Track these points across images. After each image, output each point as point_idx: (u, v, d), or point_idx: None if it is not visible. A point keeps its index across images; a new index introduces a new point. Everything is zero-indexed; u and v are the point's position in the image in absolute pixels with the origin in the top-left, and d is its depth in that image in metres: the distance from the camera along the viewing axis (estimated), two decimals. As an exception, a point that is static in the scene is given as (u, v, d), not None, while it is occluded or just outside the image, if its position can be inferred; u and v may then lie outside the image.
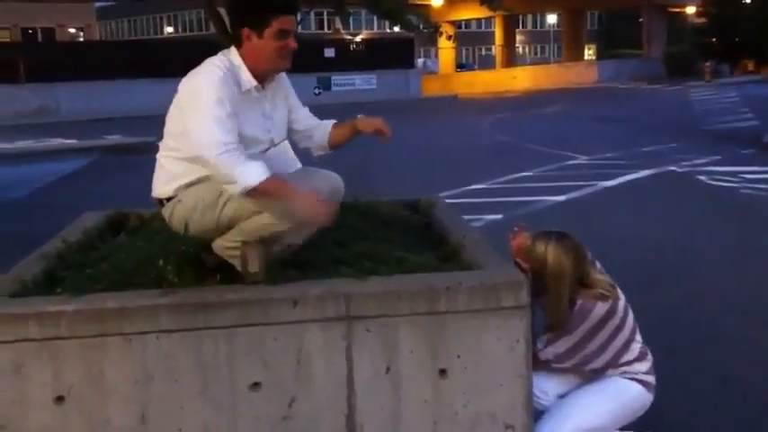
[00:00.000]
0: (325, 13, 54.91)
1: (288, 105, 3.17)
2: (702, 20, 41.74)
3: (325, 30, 57.08)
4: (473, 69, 57.10)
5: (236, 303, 2.72)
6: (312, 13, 47.07)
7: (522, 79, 43.96)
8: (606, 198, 9.86)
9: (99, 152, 16.44)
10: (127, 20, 71.21)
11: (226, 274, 2.90)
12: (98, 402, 2.68)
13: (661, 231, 7.86)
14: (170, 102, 2.92)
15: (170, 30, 67.32)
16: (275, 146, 3.02)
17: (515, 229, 3.22)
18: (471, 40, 68.80)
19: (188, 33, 61.42)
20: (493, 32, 59.12)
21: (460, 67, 58.46)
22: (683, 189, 10.38)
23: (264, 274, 2.81)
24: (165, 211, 2.99)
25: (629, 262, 6.12)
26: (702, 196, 9.84)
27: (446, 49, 51.40)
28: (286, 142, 3.10)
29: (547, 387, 3.13)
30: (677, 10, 49.78)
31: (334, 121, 3.30)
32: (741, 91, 29.06)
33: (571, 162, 12.90)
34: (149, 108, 18.47)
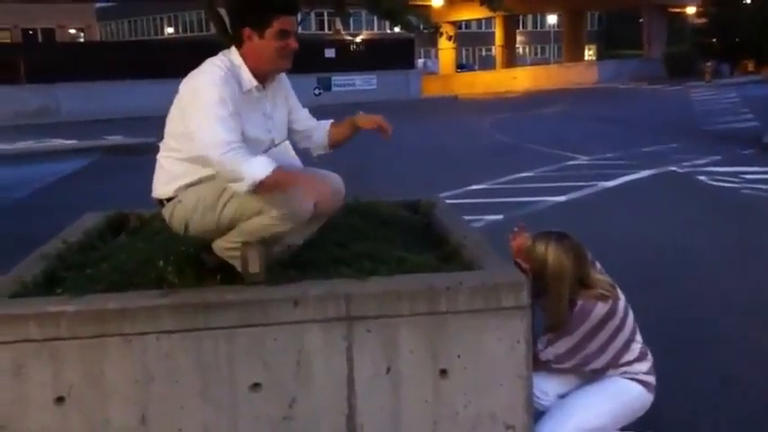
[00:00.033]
0: (325, 14, 54.94)
1: (288, 106, 3.18)
2: (703, 20, 41.76)
3: (326, 30, 57.09)
4: (473, 70, 57.13)
5: (237, 304, 2.72)
6: (312, 14, 47.10)
7: (522, 80, 43.96)
8: (607, 198, 9.86)
9: (99, 153, 16.45)
10: (127, 20, 71.23)
11: (226, 274, 2.90)
12: (98, 403, 2.68)
13: (661, 232, 7.86)
14: (170, 102, 2.93)
15: (170, 30, 67.34)
16: (276, 146, 3.02)
17: (515, 229, 3.22)
18: (471, 41, 68.81)
19: (188, 34, 61.45)
20: (493, 33, 59.12)
21: (461, 67, 58.48)
22: (683, 189, 10.38)
23: (265, 275, 2.81)
24: (166, 212, 2.99)
25: (630, 262, 6.12)
26: (703, 196, 9.84)
27: (446, 50, 51.40)
28: (287, 142, 3.10)
29: (547, 387, 3.13)
30: (677, 10, 49.78)
31: (332, 120, 3.30)
32: (741, 91, 29.06)
33: (571, 162, 12.90)
34: (150, 109, 18.49)
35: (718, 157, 12.79)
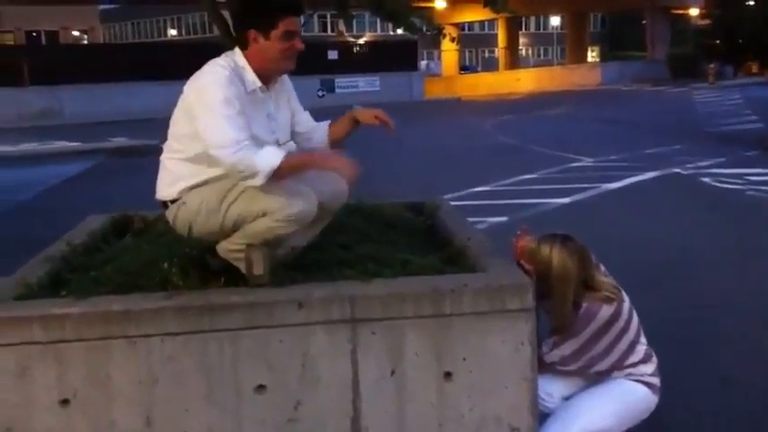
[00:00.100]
0: (328, 16, 54.96)
1: (291, 108, 3.18)
2: (706, 21, 41.66)
3: (329, 32, 57.12)
4: (476, 71, 57.16)
5: (241, 306, 2.72)
6: (315, 16, 47.12)
7: (525, 81, 43.98)
8: (610, 200, 9.85)
9: (103, 155, 16.48)
10: (130, 22, 71.31)
11: (230, 276, 2.90)
12: (103, 405, 2.68)
13: (665, 233, 7.85)
14: (174, 104, 2.93)
15: (174, 32, 67.42)
16: (280, 147, 3.02)
17: (518, 232, 3.21)
18: (474, 43, 68.79)
19: (192, 36, 61.49)
20: (496, 35, 59.12)
21: (464, 69, 58.52)
22: (687, 191, 10.36)
23: (269, 277, 2.81)
24: (169, 214, 2.99)
25: (633, 264, 6.11)
26: (707, 198, 9.83)
27: (449, 52, 51.45)
28: (291, 143, 3.11)
29: (552, 389, 3.12)
30: (680, 12, 49.73)
31: (330, 120, 3.29)
32: (745, 93, 29.02)
33: (575, 164, 12.89)
34: (153, 110, 18.56)
35: (722, 159, 12.78)
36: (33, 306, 2.73)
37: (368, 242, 3.38)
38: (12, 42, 42.67)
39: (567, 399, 3.14)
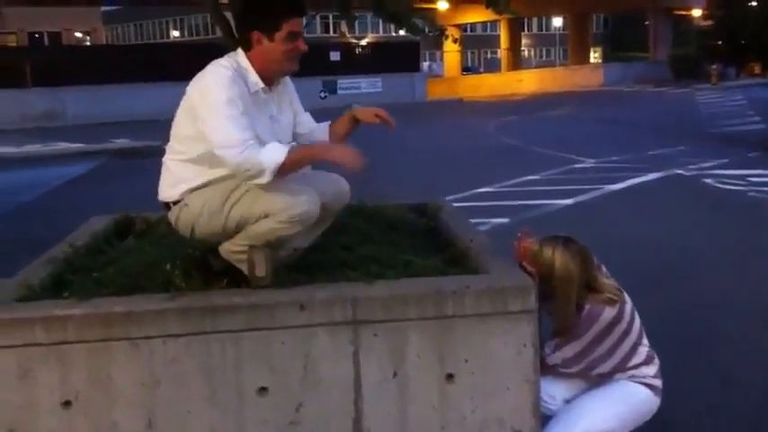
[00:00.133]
0: (330, 17, 54.93)
1: (293, 109, 3.18)
2: (708, 22, 41.58)
3: (331, 33, 57.15)
4: (479, 72, 57.17)
5: (244, 307, 2.72)
6: (318, 17, 47.14)
7: (527, 82, 43.98)
8: (613, 202, 9.84)
9: (106, 156, 16.49)
10: (133, 24, 71.41)
11: (233, 277, 2.90)
12: (105, 407, 2.68)
13: (667, 234, 7.84)
14: (177, 105, 2.93)
15: (176, 34, 67.51)
16: (282, 146, 3.02)
17: (519, 234, 3.21)
18: (477, 44, 68.84)
19: (194, 37, 61.55)
20: (498, 36, 59.15)
21: (466, 70, 58.54)
22: (690, 192, 10.35)
23: (271, 278, 2.81)
24: (172, 215, 2.99)
25: (634, 264, 6.10)
26: (709, 199, 9.81)
27: (451, 53, 51.46)
28: (293, 144, 3.11)
29: (554, 391, 3.12)
30: (683, 13, 49.70)
31: (329, 122, 3.29)
32: (747, 94, 28.99)
33: (577, 165, 12.88)
34: (156, 112, 18.57)
35: (724, 160, 12.76)
36: (36, 307, 2.73)
37: (370, 243, 3.38)
38: (14, 44, 42.71)
39: (569, 401, 3.13)
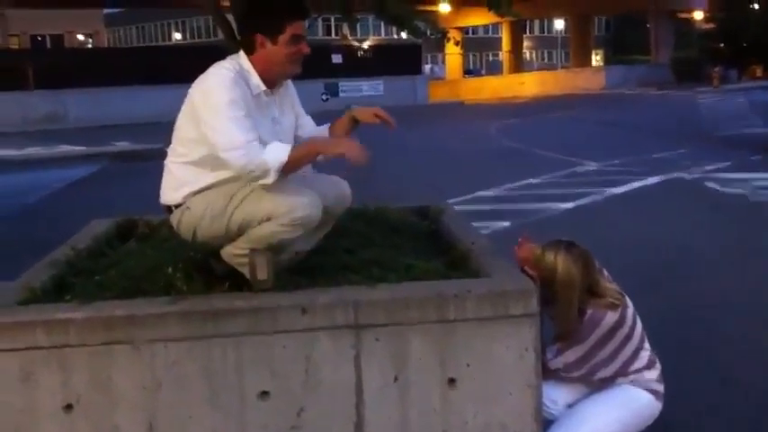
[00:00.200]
0: (332, 19, 55.01)
1: (294, 112, 3.18)
2: (710, 25, 41.60)
3: (333, 36, 57.18)
4: (480, 75, 57.19)
5: (245, 311, 2.71)
6: (319, 19, 47.19)
7: (529, 85, 43.98)
8: (615, 205, 9.83)
9: (107, 159, 16.49)
10: (135, 26, 71.49)
11: (234, 281, 2.90)
12: (106, 410, 2.67)
13: (669, 238, 7.83)
14: (178, 108, 2.93)
15: (178, 36, 67.56)
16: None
17: (519, 239, 3.20)
18: (478, 46, 68.87)
19: (196, 40, 61.60)
20: (500, 38, 59.18)
21: (468, 72, 58.56)
22: (691, 196, 10.33)
23: (273, 282, 2.81)
24: (174, 218, 2.99)
25: (635, 267, 6.09)
26: (711, 203, 9.80)
27: (453, 55, 51.48)
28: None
29: (556, 396, 3.11)
30: (685, 15, 49.67)
31: (329, 124, 3.28)
32: (749, 97, 28.95)
33: (579, 168, 12.87)
34: (158, 114, 18.58)
35: (726, 164, 12.74)
36: (37, 311, 2.73)
37: (372, 246, 3.38)
38: (17, 46, 42.78)
39: (571, 405, 3.13)
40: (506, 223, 8.47)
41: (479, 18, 47.46)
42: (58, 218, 8.71)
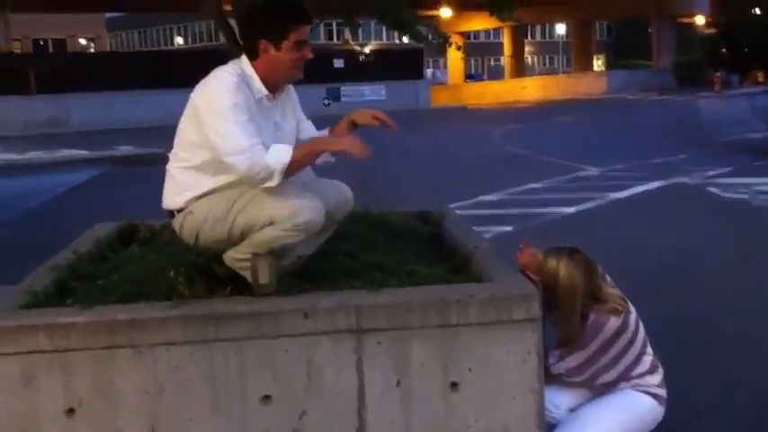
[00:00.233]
0: (334, 24, 55.09)
1: (296, 117, 3.18)
2: (712, 30, 41.61)
3: (335, 40, 57.26)
4: (482, 80, 57.23)
5: (247, 315, 2.71)
6: (321, 24, 47.23)
7: (531, 90, 44.04)
8: (616, 210, 9.82)
9: (110, 163, 16.51)
10: (137, 31, 71.63)
11: (236, 285, 2.90)
12: (108, 414, 2.67)
13: (670, 242, 7.81)
14: (181, 112, 2.93)
15: (180, 41, 67.66)
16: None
17: (521, 245, 3.20)
18: (480, 51, 68.96)
19: (198, 44, 61.73)
20: (502, 43, 59.27)
21: (470, 77, 58.63)
22: (693, 201, 10.33)
23: (275, 286, 2.81)
24: (176, 223, 2.99)
25: (638, 272, 6.08)
26: (713, 208, 9.79)
27: (455, 60, 51.54)
28: None
29: (559, 400, 3.11)
30: (687, 20, 49.70)
31: (329, 127, 3.29)
32: (751, 102, 28.95)
33: (581, 173, 12.86)
34: (160, 119, 18.59)
35: (728, 169, 12.73)
36: (39, 315, 2.73)
37: (374, 251, 3.38)
38: (19, 50, 42.83)
39: (573, 410, 3.12)
40: (508, 228, 8.46)
41: (481, 23, 47.57)
42: (60, 222, 8.72)
